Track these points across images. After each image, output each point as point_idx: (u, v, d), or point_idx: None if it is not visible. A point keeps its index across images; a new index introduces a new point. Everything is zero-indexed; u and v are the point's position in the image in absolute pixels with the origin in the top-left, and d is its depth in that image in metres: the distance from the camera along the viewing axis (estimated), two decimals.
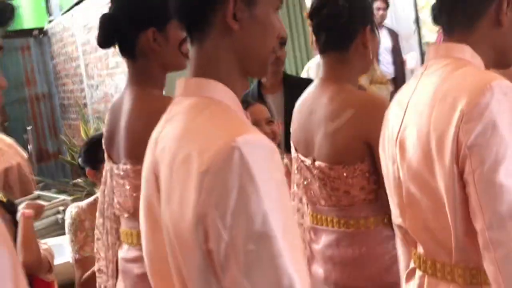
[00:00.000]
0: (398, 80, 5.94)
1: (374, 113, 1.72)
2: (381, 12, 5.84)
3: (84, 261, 2.62)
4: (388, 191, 1.51)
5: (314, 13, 1.92)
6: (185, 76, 1.19)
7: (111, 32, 1.78)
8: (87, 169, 2.69)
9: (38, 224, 3.56)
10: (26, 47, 8.61)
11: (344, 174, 1.84)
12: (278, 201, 1.01)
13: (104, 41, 1.80)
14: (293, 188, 2.07)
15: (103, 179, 2.01)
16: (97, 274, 2.06)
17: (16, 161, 3.61)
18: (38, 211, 2.70)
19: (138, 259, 1.66)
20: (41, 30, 8.49)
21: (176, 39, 1.74)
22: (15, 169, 3.59)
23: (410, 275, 1.49)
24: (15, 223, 2.59)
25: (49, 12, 8.43)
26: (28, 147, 7.58)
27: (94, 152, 2.65)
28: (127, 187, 1.79)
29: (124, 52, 1.82)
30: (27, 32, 8.38)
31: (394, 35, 6.13)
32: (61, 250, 3.04)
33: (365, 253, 1.87)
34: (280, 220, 0.99)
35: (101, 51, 6.31)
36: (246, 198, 0.98)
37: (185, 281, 1.09)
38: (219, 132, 1.03)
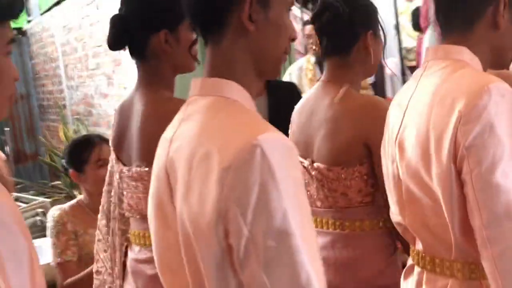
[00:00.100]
0: (378, 85, 5.99)
1: (375, 115, 1.76)
2: None
3: (66, 265, 2.60)
4: (387, 190, 1.54)
5: (316, 17, 1.95)
6: (197, 77, 1.20)
7: (122, 33, 1.77)
8: (70, 171, 2.69)
9: None
10: None
11: (343, 176, 1.86)
12: (296, 198, 1.04)
13: (114, 43, 1.79)
14: None
15: (107, 180, 2.00)
16: (95, 276, 2.05)
17: None
18: None
19: (151, 260, 1.65)
20: (20, 30, 8.42)
21: (187, 40, 1.73)
22: None
23: (409, 272, 1.53)
24: None
25: (28, 12, 8.36)
26: (5, 148, 7.51)
27: (78, 154, 2.66)
28: (141, 189, 1.78)
29: (134, 54, 1.81)
30: None
31: None
32: (40, 252, 3.00)
33: (359, 255, 1.89)
34: (298, 217, 1.02)
35: (81, 52, 6.28)
36: (267, 195, 1.00)
37: (201, 277, 1.10)
38: (239, 130, 1.06)
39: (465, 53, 1.37)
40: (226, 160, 1.02)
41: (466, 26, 1.38)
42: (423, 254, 1.45)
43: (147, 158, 1.66)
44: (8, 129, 7.81)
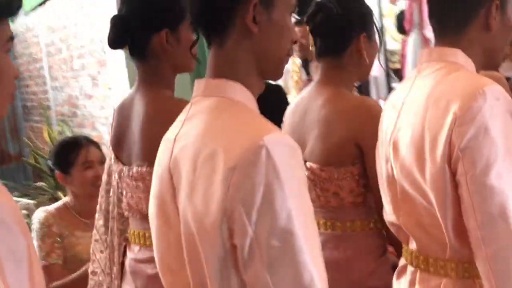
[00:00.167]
0: (363, 87, 6.02)
1: (367, 117, 1.79)
2: None
3: (50, 268, 2.57)
4: (381, 190, 1.56)
5: (309, 18, 1.96)
6: (202, 78, 1.22)
7: (123, 33, 1.77)
8: (56, 173, 2.68)
9: None
10: None
11: (335, 176, 1.88)
12: (300, 198, 1.06)
13: (115, 42, 1.80)
14: None
15: (105, 179, 2.00)
16: (90, 276, 2.04)
17: None
18: None
19: (151, 260, 1.66)
20: None
21: (188, 40, 1.74)
22: None
23: (401, 271, 1.54)
24: None
25: None
26: None
27: (64, 155, 2.65)
28: (141, 188, 1.78)
29: (135, 53, 1.81)
30: None
31: None
32: None
33: (350, 256, 1.90)
34: (302, 217, 1.04)
35: (66, 53, 6.24)
36: (272, 195, 1.02)
37: (203, 277, 1.11)
38: (244, 130, 1.07)
39: (459, 56, 1.40)
40: (232, 160, 1.03)
41: (459, 28, 1.41)
42: (417, 253, 1.46)
43: (149, 157, 1.65)
44: None
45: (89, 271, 2.05)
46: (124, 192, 1.87)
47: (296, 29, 3.94)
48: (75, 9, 5.69)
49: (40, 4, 6.77)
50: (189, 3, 1.20)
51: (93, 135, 5.26)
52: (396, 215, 1.50)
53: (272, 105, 2.29)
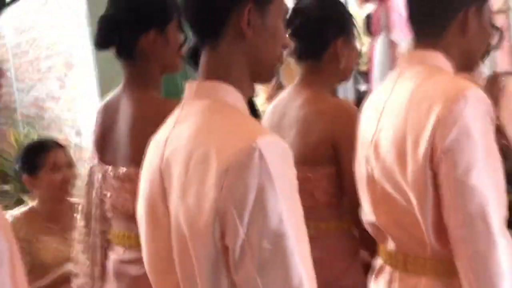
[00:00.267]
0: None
1: (345, 119, 1.82)
2: None
3: None
4: (360, 190, 1.58)
5: (289, 22, 1.96)
6: (193, 80, 1.23)
7: (110, 33, 1.76)
8: (24, 176, 2.64)
9: None
10: None
11: (311, 176, 1.88)
12: (291, 200, 1.07)
13: (102, 42, 1.79)
14: None
15: (87, 180, 1.97)
16: (72, 278, 2.02)
17: None
18: None
19: (137, 261, 1.65)
20: None
21: (176, 40, 1.75)
22: None
23: (379, 271, 1.56)
24: None
25: None
26: None
27: (32, 159, 2.62)
28: (127, 189, 1.77)
29: (122, 54, 1.80)
30: None
31: None
32: None
33: (325, 257, 1.91)
34: (293, 218, 1.06)
35: (32, 55, 6.17)
36: (265, 197, 1.03)
37: (193, 277, 1.12)
38: (237, 132, 1.09)
39: (439, 59, 1.44)
40: (225, 161, 1.05)
41: (438, 32, 1.45)
42: (395, 253, 1.49)
43: (136, 158, 1.63)
44: None
45: (73, 273, 2.03)
46: (108, 193, 1.86)
47: None
48: (42, 11, 5.63)
49: (7, 5, 6.67)
50: (184, 5, 1.21)
51: (60, 137, 5.20)
52: (375, 215, 1.52)
53: None
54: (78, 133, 5.48)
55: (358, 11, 6.02)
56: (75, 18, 4.62)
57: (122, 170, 1.78)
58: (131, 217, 1.78)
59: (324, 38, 1.93)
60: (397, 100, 1.44)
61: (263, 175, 1.03)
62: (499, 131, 1.85)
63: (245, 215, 1.03)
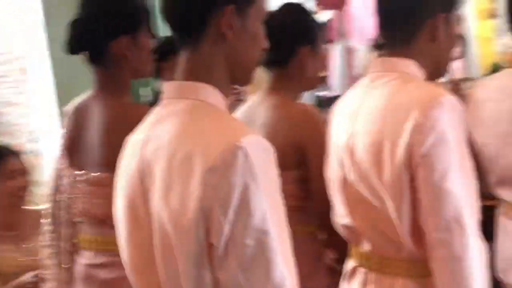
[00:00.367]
0: None
1: (311, 124, 1.85)
2: None
3: None
4: (332, 193, 1.60)
5: None
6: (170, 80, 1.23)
7: (81, 38, 1.75)
8: None
9: None
10: None
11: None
12: (274, 198, 1.10)
13: (73, 47, 1.77)
14: None
15: (53, 185, 1.95)
16: (41, 283, 2.00)
17: None
18: None
19: (106, 265, 1.65)
20: None
21: (147, 45, 1.76)
22: None
23: (351, 273, 1.59)
24: None
25: None
26: None
27: None
28: (98, 194, 1.76)
29: (93, 59, 1.79)
30: None
31: None
32: None
33: None
34: (275, 216, 1.08)
35: None
36: (249, 196, 1.05)
37: (177, 276, 1.12)
38: (221, 132, 1.10)
39: (411, 66, 1.48)
40: (209, 161, 1.06)
41: (409, 39, 1.49)
42: (370, 255, 1.52)
43: (109, 163, 1.62)
44: None
45: (44, 278, 2.00)
46: (76, 198, 1.85)
47: None
48: None
49: None
50: (164, 6, 1.21)
51: (14, 143, 5.10)
52: (351, 218, 1.55)
53: None
54: (33, 140, 5.39)
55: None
56: (28, 22, 4.56)
57: (94, 175, 1.78)
58: (102, 222, 1.78)
59: (288, 46, 1.96)
60: (372, 106, 1.47)
61: (248, 174, 1.05)
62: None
63: (230, 213, 1.05)
